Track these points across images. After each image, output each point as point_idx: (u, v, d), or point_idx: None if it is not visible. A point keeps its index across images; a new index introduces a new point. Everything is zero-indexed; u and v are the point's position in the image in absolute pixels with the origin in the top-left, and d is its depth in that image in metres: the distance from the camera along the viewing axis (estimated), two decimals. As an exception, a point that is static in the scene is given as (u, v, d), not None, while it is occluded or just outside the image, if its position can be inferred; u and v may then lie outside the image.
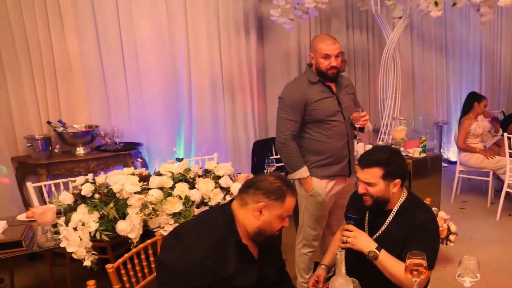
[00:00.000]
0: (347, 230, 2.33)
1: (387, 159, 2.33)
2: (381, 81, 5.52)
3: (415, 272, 1.92)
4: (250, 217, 2.02)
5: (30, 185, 3.88)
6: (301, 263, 3.63)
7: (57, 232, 3.04)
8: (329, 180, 3.39)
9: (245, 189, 2.08)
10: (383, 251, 2.24)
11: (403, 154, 4.67)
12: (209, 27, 5.51)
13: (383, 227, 2.38)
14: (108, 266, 2.26)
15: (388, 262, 2.22)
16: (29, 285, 4.10)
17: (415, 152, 4.66)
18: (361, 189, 2.36)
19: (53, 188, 3.91)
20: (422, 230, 2.27)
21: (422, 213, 2.36)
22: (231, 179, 3.58)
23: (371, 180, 2.32)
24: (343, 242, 2.31)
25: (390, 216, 2.38)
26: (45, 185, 4.07)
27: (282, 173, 3.57)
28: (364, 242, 2.29)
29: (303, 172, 3.34)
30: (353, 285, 1.96)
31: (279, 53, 6.17)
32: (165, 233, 2.96)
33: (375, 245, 2.26)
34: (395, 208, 2.38)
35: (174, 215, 3.20)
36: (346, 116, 3.36)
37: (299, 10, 5.14)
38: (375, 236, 2.37)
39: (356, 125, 3.35)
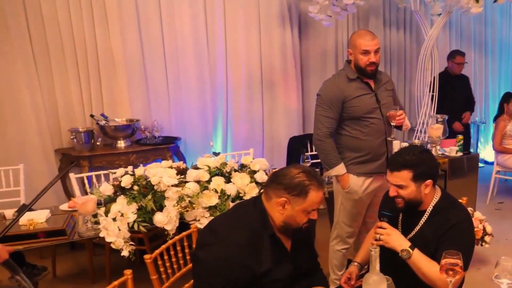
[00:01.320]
0: (380, 227, 2.31)
1: (416, 160, 2.27)
2: (418, 78, 5.46)
3: (451, 272, 1.89)
4: (275, 211, 2.03)
5: (72, 176, 4.02)
6: (334, 259, 3.62)
7: (97, 222, 3.14)
8: (366, 177, 3.37)
9: (269, 182, 2.08)
10: (416, 250, 2.20)
11: (440, 152, 4.62)
12: (247, 24, 5.56)
13: (417, 228, 2.34)
14: (146, 256, 2.32)
15: (422, 262, 2.18)
16: (70, 273, 4.24)
17: (451, 151, 4.60)
18: (392, 192, 2.32)
19: (94, 180, 4.04)
20: (456, 230, 2.22)
21: (457, 213, 2.30)
22: (267, 174, 3.62)
23: (401, 183, 2.28)
24: (376, 240, 2.28)
25: (424, 217, 2.34)
26: (86, 177, 4.21)
27: (312, 167, 3.54)
28: (397, 240, 2.25)
29: (340, 169, 3.33)
30: (387, 283, 1.94)
31: (316, 50, 6.17)
32: (201, 226, 3.03)
33: (409, 243, 2.22)
34: (429, 209, 2.34)
35: (210, 208, 3.26)
36: (384, 113, 3.33)
37: (338, 7, 5.13)
38: (408, 236, 2.34)
39: (391, 123, 3.32)
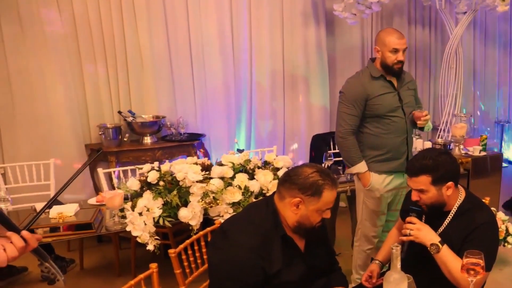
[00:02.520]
0: (409, 222, 2.28)
1: (433, 164, 2.24)
2: (442, 77, 5.44)
3: (472, 272, 1.87)
4: (288, 211, 2.01)
5: (100, 171, 4.13)
6: (359, 260, 3.61)
7: (124, 217, 3.23)
8: (387, 175, 3.37)
9: (282, 182, 2.05)
10: (445, 246, 2.18)
11: (463, 152, 4.61)
12: (271, 22, 5.61)
13: (441, 229, 2.32)
14: (171, 251, 2.36)
15: (449, 258, 2.16)
16: (96, 266, 4.34)
17: (475, 150, 4.57)
18: (414, 197, 2.31)
19: (121, 175, 4.14)
20: (481, 232, 2.20)
21: (483, 214, 2.28)
22: (289, 171, 3.66)
23: (421, 187, 2.26)
24: (405, 235, 2.26)
25: (448, 218, 2.32)
26: (114, 172, 4.31)
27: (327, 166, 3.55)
28: (427, 234, 2.23)
29: (361, 167, 3.33)
30: (408, 281, 1.92)
31: (341, 48, 6.18)
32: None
33: (439, 238, 2.20)
34: (453, 210, 2.32)
35: (233, 204, 3.32)
36: (406, 112, 3.33)
37: (362, 5, 5.14)
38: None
39: (417, 124, 3.31)
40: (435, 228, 2.33)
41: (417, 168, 2.28)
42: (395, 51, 3.21)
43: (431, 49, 6.78)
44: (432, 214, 2.37)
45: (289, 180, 2.01)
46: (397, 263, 1.87)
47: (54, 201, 3.76)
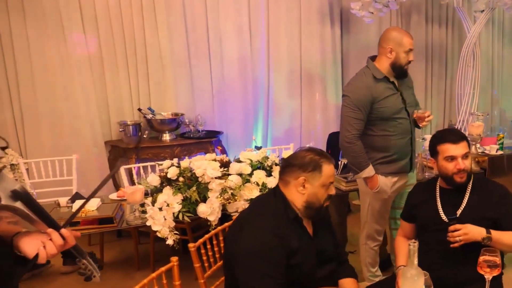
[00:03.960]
0: (454, 230, 2.34)
1: (465, 134, 2.53)
2: (459, 76, 5.43)
3: (488, 269, 2.01)
4: (295, 193, 2.12)
5: (121, 167, 4.20)
6: (368, 257, 3.61)
7: (144, 212, 3.30)
8: (392, 176, 3.34)
9: (283, 170, 2.19)
10: (492, 231, 2.32)
11: (479, 150, 4.61)
12: (289, 20, 5.66)
13: (464, 202, 2.47)
14: (190, 245, 2.41)
15: (502, 237, 2.32)
16: (116, 260, 4.42)
17: (491, 149, 4.57)
18: (461, 164, 2.44)
19: (141, 171, 4.21)
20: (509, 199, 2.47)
21: (496, 184, 2.60)
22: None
23: (467, 151, 2.47)
24: (453, 243, 2.34)
25: (468, 190, 2.50)
26: (134, 168, 4.39)
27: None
28: (475, 233, 2.33)
29: (370, 170, 3.27)
30: (424, 278, 1.95)
31: (358, 46, 6.19)
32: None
33: (484, 230, 2.32)
34: (469, 185, 2.51)
35: (251, 200, 3.39)
36: (410, 112, 3.29)
37: (379, 4, 5.15)
38: (458, 213, 2.45)
39: (420, 125, 3.31)
40: (457, 205, 2.47)
41: (459, 135, 2.52)
42: (410, 51, 3.20)
43: (447, 47, 6.76)
44: (447, 193, 2.54)
45: (289, 165, 2.15)
46: (414, 260, 1.89)
47: (77, 195, 3.88)
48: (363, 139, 3.28)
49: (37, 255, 1.36)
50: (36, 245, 1.37)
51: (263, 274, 1.97)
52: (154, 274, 2.13)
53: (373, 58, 3.32)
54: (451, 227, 2.36)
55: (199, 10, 5.23)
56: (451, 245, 2.34)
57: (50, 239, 1.37)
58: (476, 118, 4.57)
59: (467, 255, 2.32)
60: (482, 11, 5.24)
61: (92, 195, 1.49)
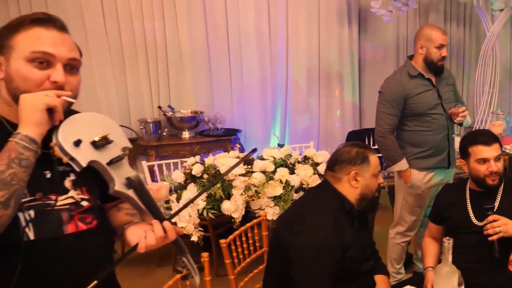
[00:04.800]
0: (492, 221, 2.33)
1: (497, 136, 2.49)
2: (478, 75, 5.41)
3: None
4: (349, 188, 2.18)
5: (144, 164, 4.25)
6: (394, 253, 3.66)
7: (169, 208, 3.33)
8: (428, 171, 3.40)
9: (331, 168, 2.24)
10: None
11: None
12: (308, 19, 5.65)
13: (496, 205, 2.44)
14: (222, 241, 2.44)
15: None
16: (137, 256, 4.42)
17: (512, 148, 4.59)
18: (494, 167, 2.42)
19: (164, 168, 4.24)
20: None
21: None
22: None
23: (500, 153, 2.45)
24: (495, 233, 2.30)
25: (499, 192, 2.47)
26: (156, 165, 4.41)
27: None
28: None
29: (402, 164, 3.36)
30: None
31: (376, 45, 6.19)
32: (269, 216, 3.17)
33: None
34: (501, 185, 2.49)
35: (274, 198, 3.40)
36: (446, 108, 3.35)
37: (399, 2, 5.15)
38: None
39: (454, 120, 3.34)
40: (488, 205, 2.43)
41: (491, 136, 2.48)
42: (441, 46, 3.25)
43: (465, 46, 6.74)
44: (478, 195, 2.52)
45: (337, 162, 2.22)
46: (449, 256, 1.91)
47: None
48: (399, 134, 3.41)
49: (136, 245, 1.37)
50: (139, 234, 1.39)
51: (320, 268, 2.01)
52: (185, 270, 2.15)
53: (411, 57, 3.42)
54: (490, 218, 2.34)
55: (219, 9, 5.25)
56: (489, 238, 2.30)
57: (153, 231, 1.38)
58: (496, 117, 4.56)
59: (498, 258, 2.30)
60: (502, 10, 5.21)
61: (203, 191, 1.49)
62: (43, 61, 1.32)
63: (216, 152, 4.95)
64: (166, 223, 1.38)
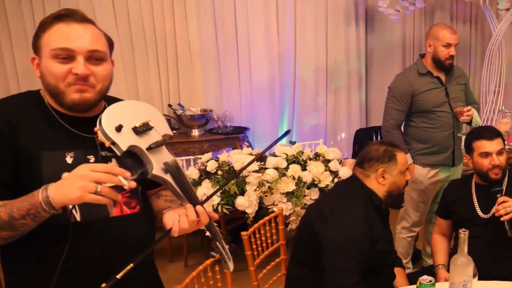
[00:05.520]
0: (503, 202, 2.41)
1: (500, 132, 2.57)
2: (484, 74, 5.47)
3: None
4: (377, 185, 2.26)
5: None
6: (400, 247, 3.73)
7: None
8: (431, 168, 3.47)
9: (360, 166, 2.33)
10: None
11: (507, 147, 4.65)
12: (316, 18, 5.71)
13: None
14: (243, 233, 2.49)
15: None
16: (150, 251, 4.50)
17: (518, 145, 4.63)
18: (496, 160, 2.50)
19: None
20: None
21: None
22: (339, 163, 3.79)
23: (502, 147, 2.52)
24: (504, 214, 2.38)
25: (503, 186, 2.55)
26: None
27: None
28: None
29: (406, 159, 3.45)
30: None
31: (383, 44, 6.24)
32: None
33: None
34: (506, 179, 2.57)
35: (287, 194, 3.47)
36: (454, 107, 3.41)
37: (406, 1, 5.21)
38: (493, 210, 2.50)
39: (460, 119, 3.40)
40: (494, 201, 2.49)
41: (494, 132, 2.56)
42: (448, 45, 3.31)
43: (471, 45, 6.79)
44: (482, 190, 2.61)
45: (366, 159, 2.30)
46: (464, 247, 1.95)
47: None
48: (406, 130, 3.51)
49: (170, 229, 1.43)
50: (174, 218, 1.44)
51: (351, 258, 2.07)
52: (208, 261, 2.21)
53: (422, 55, 3.49)
54: (500, 199, 2.43)
55: (228, 8, 5.31)
56: (502, 218, 2.38)
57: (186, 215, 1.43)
58: (503, 115, 4.62)
59: (503, 251, 2.39)
60: (508, 9, 5.26)
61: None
62: (65, 56, 1.39)
63: (225, 149, 4.99)
64: (199, 207, 1.43)
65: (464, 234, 1.95)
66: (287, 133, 1.64)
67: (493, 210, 2.47)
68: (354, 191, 2.29)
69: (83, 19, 1.46)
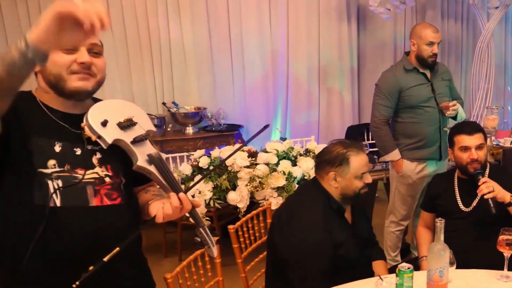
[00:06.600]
0: (484, 182, 2.46)
1: (482, 127, 2.64)
2: (473, 71, 5.54)
3: (507, 247, 2.12)
4: (330, 187, 2.25)
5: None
6: (389, 241, 3.83)
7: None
8: (419, 162, 3.56)
9: (316, 166, 2.34)
10: None
11: (494, 143, 4.71)
12: (308, 16, 5.78)
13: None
14: (230, 227, 2.56)
15: None
16: (144, 247, 4.55)
17: (506, 141, 4.66)
18: (474, 155, 2.56)
19: (170, 161, 4.37)
20: None
21: None
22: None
23: (482, 142, 2.59)
24: (489, 192, 2.41)
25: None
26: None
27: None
28: (503, 189, 2.46)
29: (394, 155, 3.53)
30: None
31: (374, 42, 6.31)
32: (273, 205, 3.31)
33: (509, 193, 2.45)
34: (487, 172, 2.63)
35: (278, 189, 3.55)
36: (439, 102, 3.49)
37: (397, 0, 5.27)
38: (476, 201, 2.59)
39: (446, 114, 3.47)
40: (475, 194, 2.54)
41: (475, 127, 2.63)
42: (431, 44, 3.39)
43: (462, 43, 6.85)
44: (465, 183, 2.66)
45: (320, 160, 2.29)
46: (441, 235, 2.00)
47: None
48: (394, 125, 3.58)
49: (155, 216, 1.50)
50: (158, 206, 1.52)
51: (313, 266, 2.10)
52: (198, 252, 2.29)
53: (408, 53, 3.57)
54: (482, 179, 2.49)
55: (221, 6, 5.39)
56: (485, 196, 2.43)
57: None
58: (491, 111, 4.70)
59: (484, 243, 2.43)
60: (497, 7, 5.34)
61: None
62: (69, 47, 1.47)
63: (219, 147, 5.04)
64: (181, 194, 1.50)
65: (440, 222, 2.01)
66: (266, 127, 1.71)
67: (477, 192, 2.50)
68: (314, 194, 2.28)
69: None
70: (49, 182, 1.46)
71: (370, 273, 2.32)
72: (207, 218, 3.47)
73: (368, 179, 2.27)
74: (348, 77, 6.14)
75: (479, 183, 2.48)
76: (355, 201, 2.30)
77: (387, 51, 6.35)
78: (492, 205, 2.42)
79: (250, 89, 5.70)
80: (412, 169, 3.57)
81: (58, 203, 1.46)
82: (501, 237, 2.14)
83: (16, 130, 1.45)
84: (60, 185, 1.47)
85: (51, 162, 1.47)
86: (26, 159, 1.46)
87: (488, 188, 2.43)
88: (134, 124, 1.57)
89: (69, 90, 1.50)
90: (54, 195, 1.46)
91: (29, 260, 1.42)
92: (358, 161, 2.21)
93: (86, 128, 1.50)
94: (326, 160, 2.24)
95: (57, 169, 1.48)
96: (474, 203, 2.61)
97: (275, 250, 2.24)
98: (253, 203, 3.66)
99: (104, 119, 1.51)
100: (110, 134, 1.50)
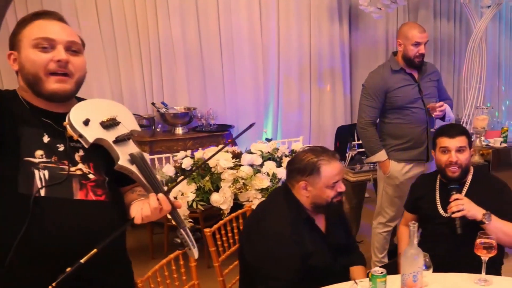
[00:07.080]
0: (456, 199, 2.41)
1: (466, 130, 2.61)
2: (465, 70, 5.51)
3: (485, 251, 2.10)
4: (301, 196, 2.19)
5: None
6: (376, 242, 3.80)
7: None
8: (406, 163, 3.52)
9: (288, 174, 2.26)
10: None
11: (484, 143, 4.69)
12: (299, 15, 5.76)
13: (463, 194, 2.50)
14: (206, 230, 2.54)
15: (501, 222, 2.36)
16: (131, 248, 4.52)
17: (495, 142, 4.65)
18: (454, 157, 2.51)
19: (156, 162, 4.36)
20: (506, 193, 2.52)
21: (496, 179, 2.64)
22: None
23: (464, 145, 2.54)
24: (458, 211, 2.37)
25: (466, 184, 2.58)
26: (148, 160, 4.52)
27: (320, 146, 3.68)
28: (475, 207, 2.39)
29: (381, 155, 3.50)
30: (424, 258, 2.04)
31: (366, 42, 6.29)
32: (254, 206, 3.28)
33: (483, 210, 2.37)
34: (469, 178, 2.59)
35: (262, 190, 3.52)
36: (427, 103, 3.46)
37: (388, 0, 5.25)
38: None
39: (432, 115, 3.44)
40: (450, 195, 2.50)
41: (459, 130, 2.59)
42: (417, 44, 3.35)
43: (455, 42, 6.83)
44: (447, 187, 2.57)
45: (290, 168, 2.22)
46: (414, 240, 1.98)
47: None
48: (380, 126, 3.56)
49: (133, 217, 1.50)
50: (138, 207, 1.52)
51: (280, 278, 2.07)
52: (172, 255, 2.27)
53: (395, 53, 3.54)
54: (454, 196, 2.43)
55: (211, 6, 5.36)
56: (453, 215, 2.39)
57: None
58: (481, 111, 4.67)
59: (468, 249, 2.35)
60: (489, 6, 5.30)
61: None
62: (46, 46, 1.50)
63: (209, 147, 5.04)
64: (160, 195, 1.49)
65: (413, 226, 1.98)
66: (251, 126, 1.70)
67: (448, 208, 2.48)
68: (283, 204, 2.23)
69: (60, 18, 1.61)
70: (36, 171, 1.47)
71: (347, 280, 2.27)
72: (190, 220, 3.43)
73: (341, 187, 2.19)
74: (340, 76, 6.11)
75: (450, 200, 2.44)
76: (328, 210, 2.23)
77: (379, 50, 6.32)
78: (458, 226, 2.38)
79: (240, 90, 5.68)
80: (399, 170, 3.54)
81: (42, 193, 1.47)
82: (478, 241, 2.12)
83: (3, 120, 1.47)
84: (46, 176, 1.48)
85: (39, 152, 1.49)
86: (12, 147, 1.47)
87: (458, 207, 2.39)
88: (118, 123, 1.56)
89: (47, 92, 1.51)
90: (39, 185, 1.47)
91: (14, 251, 1.42)
92: (329, 170, 2.13)
93: (68, 127, 1.50)
94: (297, 169, 2.17)
95: (45, 159, 1.49)
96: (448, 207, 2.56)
97: (245, 258, 2.22)
98: (237, 205, 3.64)
99: (86, 118, 1.51)
100: (92, 133, 1.50)
